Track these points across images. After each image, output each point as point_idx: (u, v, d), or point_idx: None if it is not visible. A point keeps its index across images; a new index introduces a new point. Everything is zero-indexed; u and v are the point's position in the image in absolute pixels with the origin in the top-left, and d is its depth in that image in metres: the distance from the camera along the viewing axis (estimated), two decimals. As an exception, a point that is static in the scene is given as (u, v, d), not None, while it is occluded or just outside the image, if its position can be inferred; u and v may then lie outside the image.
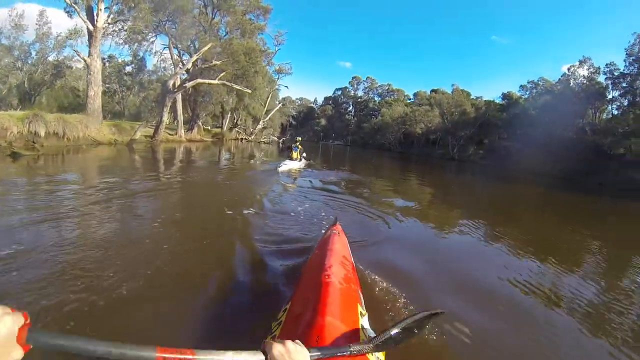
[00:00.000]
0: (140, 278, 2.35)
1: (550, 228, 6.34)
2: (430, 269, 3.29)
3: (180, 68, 16.61)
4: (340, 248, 2.15)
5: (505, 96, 29.03)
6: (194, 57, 16.11)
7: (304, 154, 11.08)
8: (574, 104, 22.66)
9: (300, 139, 11.58)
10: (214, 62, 16.80)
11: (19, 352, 0.48)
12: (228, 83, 17.94)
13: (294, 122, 63.25)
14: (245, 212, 4.47)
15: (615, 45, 40.17)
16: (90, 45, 13.25)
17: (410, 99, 52.08)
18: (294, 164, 9.92)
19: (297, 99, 70.78)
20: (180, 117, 19.38)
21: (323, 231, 3.13)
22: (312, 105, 69.55)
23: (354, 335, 1.20)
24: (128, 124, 16.98)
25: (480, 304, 2.63)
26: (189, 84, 16.65)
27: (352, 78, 61.59)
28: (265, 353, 0.64)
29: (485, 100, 31.99)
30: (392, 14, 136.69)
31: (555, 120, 22.96)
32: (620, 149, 18.75)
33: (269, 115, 32.89)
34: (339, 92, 63.58)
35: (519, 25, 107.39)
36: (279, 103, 37.44)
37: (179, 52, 18.16)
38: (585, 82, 23.63)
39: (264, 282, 2.53)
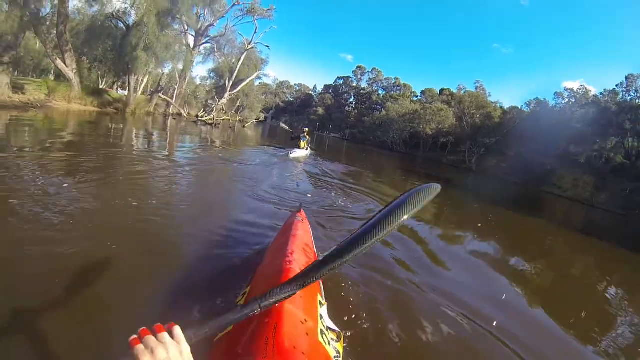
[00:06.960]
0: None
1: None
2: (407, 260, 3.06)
3: None
4: (303, 235, 2.04)
5: (537, 103, 24.49)
6: None
7: (310, 145, 11.43)
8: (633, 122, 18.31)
9: (307, 129, 11.85)
10: None
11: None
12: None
13: (281, 105, 57.87)
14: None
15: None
16: None
17: (416, 97, 47.68)
18: (302, 152, 10.37)
19: (295, 84, 65.63)
20: None
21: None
22: (310, 92, 64.29)
23: (312, 322, 1.18)
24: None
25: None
26: None
27: (357, 67, 56.74)
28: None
29: (510, 107, 27.48)
30: (394, 9, 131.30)
31: (606, 138, 18.66)
32: None
33: (240, 87, 22.83)
34: (341, 81, 58.76)
35: (519, 35, 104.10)
36: (259, 72, 25.17)
37: None
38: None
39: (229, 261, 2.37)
